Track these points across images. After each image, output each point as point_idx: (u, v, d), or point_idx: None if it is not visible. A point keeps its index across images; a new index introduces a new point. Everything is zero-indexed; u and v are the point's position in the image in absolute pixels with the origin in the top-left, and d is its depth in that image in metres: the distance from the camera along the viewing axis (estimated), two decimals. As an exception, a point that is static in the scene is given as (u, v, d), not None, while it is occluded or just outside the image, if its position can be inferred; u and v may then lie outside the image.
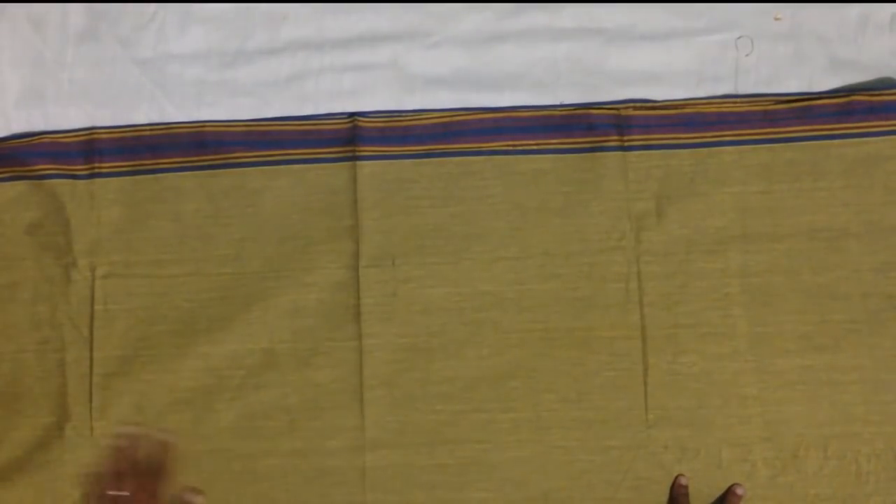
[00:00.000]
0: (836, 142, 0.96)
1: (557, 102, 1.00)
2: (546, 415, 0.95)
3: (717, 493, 0.92)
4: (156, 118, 1.02)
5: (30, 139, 1.01)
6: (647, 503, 0.93)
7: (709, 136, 0.97)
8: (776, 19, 0.99)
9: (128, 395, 0.97)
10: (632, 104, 0.98)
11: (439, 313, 0.97)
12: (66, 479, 0.97)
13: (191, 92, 1.02)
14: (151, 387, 0.97)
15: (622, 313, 0.95)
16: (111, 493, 0.88)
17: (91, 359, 0.98)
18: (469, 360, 0.96)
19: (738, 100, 0.98)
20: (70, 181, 1.00)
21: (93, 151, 1.01)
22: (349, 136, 0.99)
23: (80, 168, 1.01)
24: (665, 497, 0.93)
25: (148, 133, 1.01)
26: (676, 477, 0.93)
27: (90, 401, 0.97)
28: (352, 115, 1.00)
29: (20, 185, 1.01)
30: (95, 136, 1.01)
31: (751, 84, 0.99)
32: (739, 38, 0.99)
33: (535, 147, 0.98)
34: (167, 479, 0.92)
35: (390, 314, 0.97)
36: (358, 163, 0.99)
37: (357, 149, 0.99)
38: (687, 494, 0.92)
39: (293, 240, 0.99)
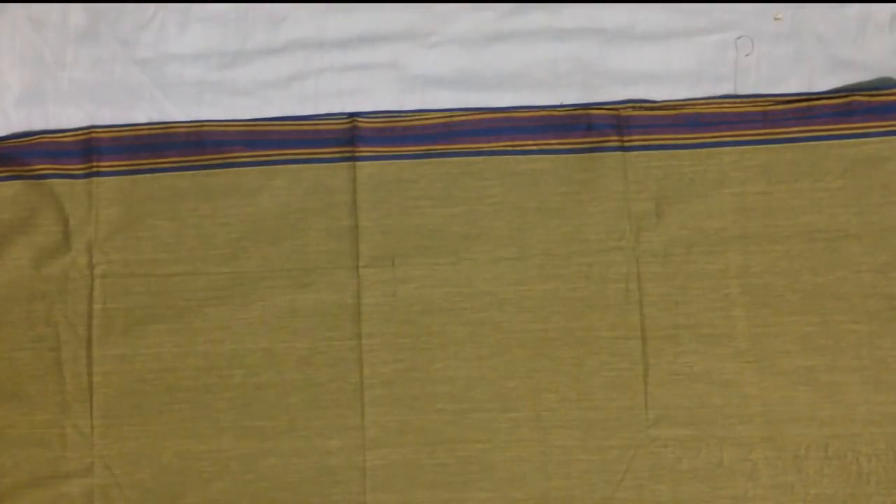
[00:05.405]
0: (835, 142, 0.96)
1: (557, 102, 1.00)
2: (546, 414, 0.94)
3: (718, 492, 0.92)
4: (156, 118, 1.02)
5: (28, 139, 1.01)
6: (647, 503, 0.93)
7: (708, 136, 0.97)
8: (776, 19, 0.99)
9: (128, 394, 0.97)
10: (631, 104, 0.98)
11: (439, 313, 0.96)
12: (66, 476, 0.97)
13: (190, 92, 1.02)
14: (151, 386, 0.97)
15: (622, 313, 0.95)
16: None
17: (90, 357, 0.98)
18: (469, 360, 0.96)
19: (738, 100, 0.98)
20: (68, 181, 1.00)
21: (91, 151, 1.00)
22: (348, 137, 0.99)
23: (79, 167, 1.01)
24: (666, 496, 0.93)
25: (146, 132, 1.01)
26: None
27: (90, 399, 0.97)
28: (351, 115, 1.00)
29: (18, 185, 1.01)
30: (94, 135, 1.01)
31: (751, 84, 0.99)
32: (739, 38, 0.99)
33: (534, 147, 0.98)
34: None
35: (390, 314, 0.97)
36: (357, 163, 0.99)
37: (356, 149, 0.99)
38: None
39: (291, 239, 0.99)
